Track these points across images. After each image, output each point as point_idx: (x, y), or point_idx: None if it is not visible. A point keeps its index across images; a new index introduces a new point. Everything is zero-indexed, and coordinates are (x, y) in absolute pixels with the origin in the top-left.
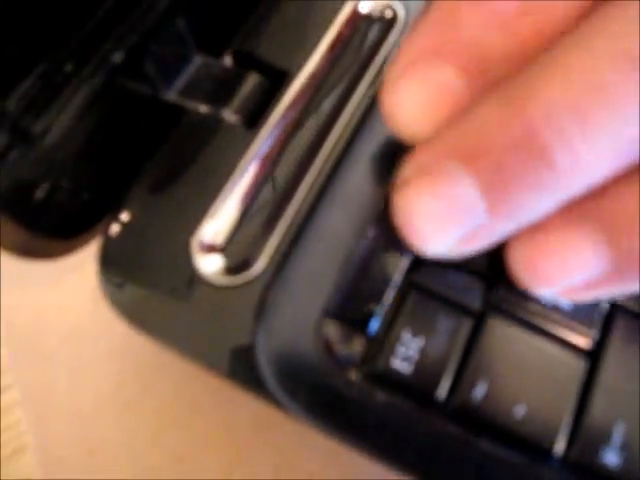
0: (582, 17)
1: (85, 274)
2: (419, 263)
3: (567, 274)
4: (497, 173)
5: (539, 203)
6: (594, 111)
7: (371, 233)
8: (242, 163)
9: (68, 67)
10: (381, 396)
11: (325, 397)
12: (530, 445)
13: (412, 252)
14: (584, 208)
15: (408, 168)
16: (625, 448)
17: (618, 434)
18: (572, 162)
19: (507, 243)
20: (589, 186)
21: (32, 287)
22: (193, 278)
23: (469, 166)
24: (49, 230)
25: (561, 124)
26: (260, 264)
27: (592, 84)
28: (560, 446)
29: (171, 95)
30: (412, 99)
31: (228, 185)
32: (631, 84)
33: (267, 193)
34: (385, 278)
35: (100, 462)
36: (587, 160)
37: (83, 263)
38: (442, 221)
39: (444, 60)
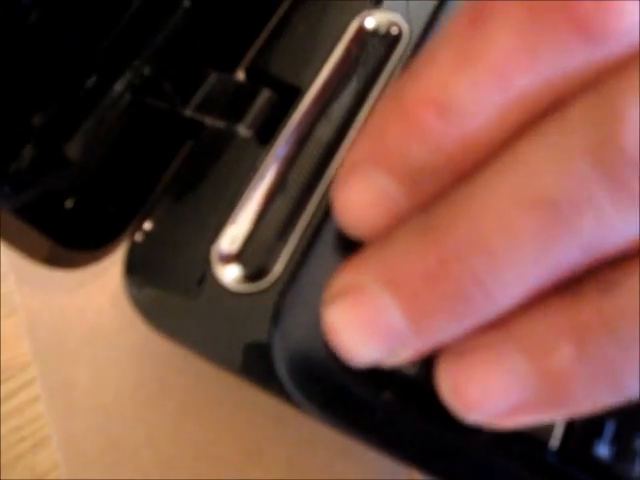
0: (504, 135)
1: (106, 279)
2: None
3: (490, 399)
4: (416, 301)
5: (459, 326)
6: (501, 251)
7: None
8: (256, 176)
9: (91, 85)
10: (388, 394)
11: (336, 396)
12: (528, 439)
13: None
14: (509, 326)
15: (337, 284)
16: (615, 442)
17: (609, 429)
18: (483, 296)
19: (436, 366)
20: (501, 314)
21: (56, 290)
22: (211, 285)
23: (392, 292)
24: (75, 242)
25: (471, 261)
26: (275, 272)
27: (499, 225)
28: (556, 440)
29: (188, 111)
30: (353, 203)
31: (243, 197)
32: (535, 226)
33: (281, 204)
34: None
35: (121, 456)
36: (497, 294)
37: (105, 269)
38: (366, 338)
39: (380, 167)
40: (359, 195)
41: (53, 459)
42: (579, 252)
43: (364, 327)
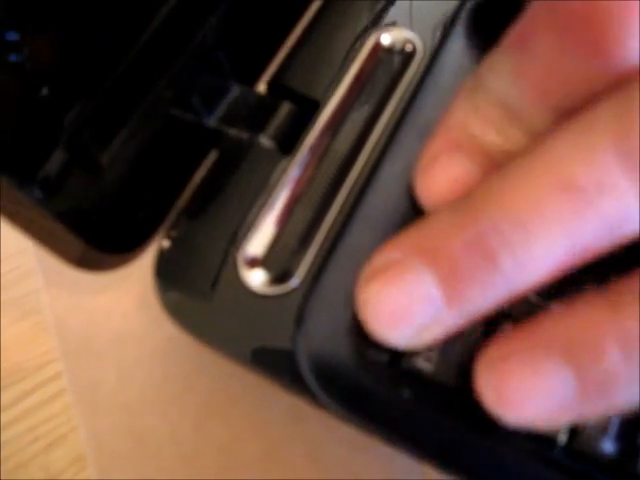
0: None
1: (130, 283)
2: None
3: (533, 401)
4: (452, 270)
5: (488, 297)
6: (534, 226)
7: None
8: (279, 184)
9: (126, 97)
10: (407, 392)
11: (357, 393)
12: (537, 436)
13: None
14: (549, 332)
15: (373, 264)
16: (620, 438)
17: (614, 426)
18: (514, 266)
19: (475, 369)
20: (531, 286)
21: (82, 293)
22: (237, 287)
23: (430, 263)
24: (107, 246)
25: (505, 234)
26: (298, 276)
27: (533, 204)
28: (563, 437)
29: (212, 122)
30: (439, 183)
31: (267, 204)
32: (565, 206)
33: (303, 211)
34: None
35: (146, 451)
36: (527, 265)
37: (129, 274)
38: (405, 312)
39: (462, 153)
40: (444, 175)
41: (67, 459)
42: (602, 231)
43: (401, 299)
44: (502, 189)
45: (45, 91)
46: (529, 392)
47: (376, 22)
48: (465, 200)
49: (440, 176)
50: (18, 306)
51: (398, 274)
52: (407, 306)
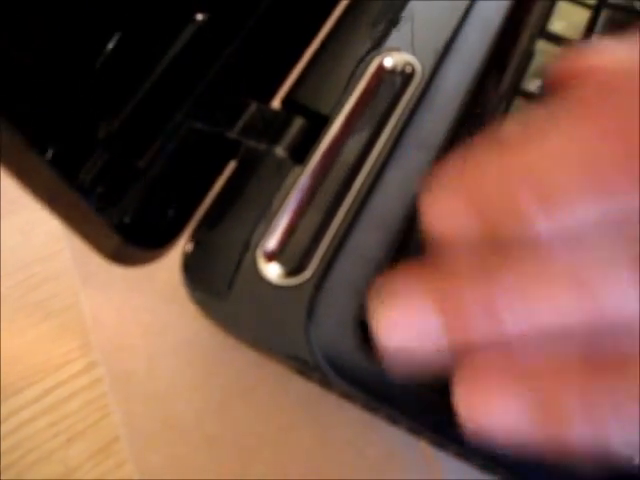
0: None
1: (157, 283)
2: None
3: (492, 419)
4: (458, 318)
5: (485, 340)
6: (536, 303)
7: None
8: (292, 190)
9: (162, 114)
10: None
11: (362, 373)
12: None
13: None
14: (525, 373)
15: (392, 286)
16: None
17: None
18: (513, 325)
19: (452, 384)
20: (519, 338)
21: (114, 292)
22: (256, 280)
23: (438, 306)
24: (140, 241)
25: (512, 300)
26: (310, 270)
27: (544, 290)
28: None
29: (233, 134)
30: (439, 219)
31: (282, 208)
32: (567, 295)
33: (313, 214)
34: None
35: (175, 432)
36: (524, 325)
37: (155, 274)
38: (409, 342)
39: (460, 194)
40: (443, 215)
41: (85, 454)
42: (591, 317)
43: (408, 331)
44: (517, 266)
45: (93, 106)
46: (488, 411)
47: (380, 46)
48: (484, 257)
49: (440, 212)
50: (53, 304)
51: (410, 307)
52: (412, 339)
